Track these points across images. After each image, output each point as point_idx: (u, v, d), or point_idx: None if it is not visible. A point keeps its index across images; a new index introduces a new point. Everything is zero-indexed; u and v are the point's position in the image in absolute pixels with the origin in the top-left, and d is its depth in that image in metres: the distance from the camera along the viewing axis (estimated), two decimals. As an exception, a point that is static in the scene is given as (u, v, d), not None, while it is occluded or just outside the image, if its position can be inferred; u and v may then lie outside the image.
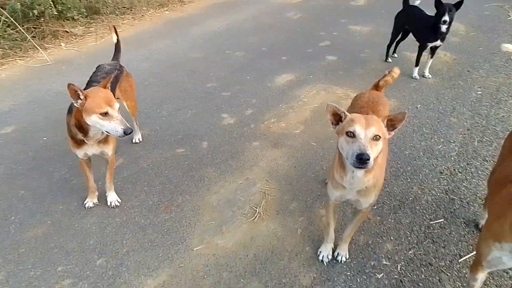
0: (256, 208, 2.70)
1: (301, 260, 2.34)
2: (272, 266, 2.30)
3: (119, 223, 2.60)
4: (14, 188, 2.90)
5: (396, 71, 2.47)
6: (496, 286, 2.17)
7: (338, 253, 2.34)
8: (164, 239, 2.48)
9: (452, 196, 2.80)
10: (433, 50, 4.41)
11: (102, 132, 2.29)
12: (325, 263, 2.31)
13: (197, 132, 3.53)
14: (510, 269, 2.21)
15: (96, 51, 5.22)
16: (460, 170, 3.05)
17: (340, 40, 5.49)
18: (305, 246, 2.42)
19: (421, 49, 4.42)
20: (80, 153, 2.42)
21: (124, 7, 6.56)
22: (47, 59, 4.87)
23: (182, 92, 4.19)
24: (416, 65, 4.49)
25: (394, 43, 4.93)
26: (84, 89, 2.28)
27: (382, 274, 2.25)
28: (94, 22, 6.01)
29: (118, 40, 3.13)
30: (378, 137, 1.66)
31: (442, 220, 2.61)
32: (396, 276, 2.24)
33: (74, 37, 5.53)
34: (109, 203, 2.73)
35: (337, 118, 1.81)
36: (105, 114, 2.12)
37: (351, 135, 1.66)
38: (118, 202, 2.74)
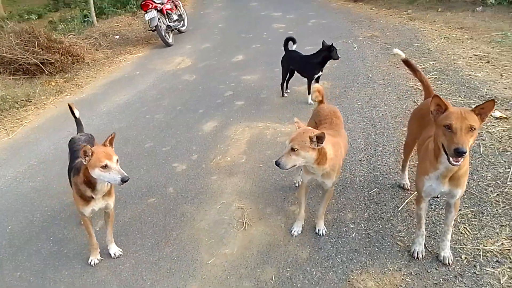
0: (242, 220, 3.24)
1: (294, 243, 2.95)
2: (275, 254, 2.85)
3: (131, 266, 2.88)
4: (7, 273, 2.94)
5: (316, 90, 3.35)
6: (428, 217, 3.05)
7: (318, 230, 3.01)
8: (178, 265, 2.85)
9: (375, 173, 3.72)
10: (318, 79, 5.58)
11: (107, 184, 2.64)
12: (294, 236, 3.01)
13: (159, 183, 3.93)
14: (440, 197, 3.15)
15: (13, 143, 5.22)
16: (371, 156, 4.02)
17: (240, 89, 6.41)
18: (292, 234, 3.03)
19: (309, 80, 5.54)
20: (88, 210, 2.69)
21: (22, 100, 6.57)
22: (-33, 160, 4.74)
23: (125, 156, 4.52)
24: (309, 93, 5.57)
25: (285, 81, 6.01)
26: (71, 160, 2.74)
27: (354, 234, 2.98)
28: (-4, 119, 5.95)
29: (78, 116, 3.48)
30: (295, 149, 2.47)
31: (376, 189, 3.48)
32: (364, 232, 2.98)
33: (-18, 136, 5.43)
34: (112, 255, 2.97)
35: None
36: (105, 166, 2.48)
37: None
38: (120, 251, 3.00)
